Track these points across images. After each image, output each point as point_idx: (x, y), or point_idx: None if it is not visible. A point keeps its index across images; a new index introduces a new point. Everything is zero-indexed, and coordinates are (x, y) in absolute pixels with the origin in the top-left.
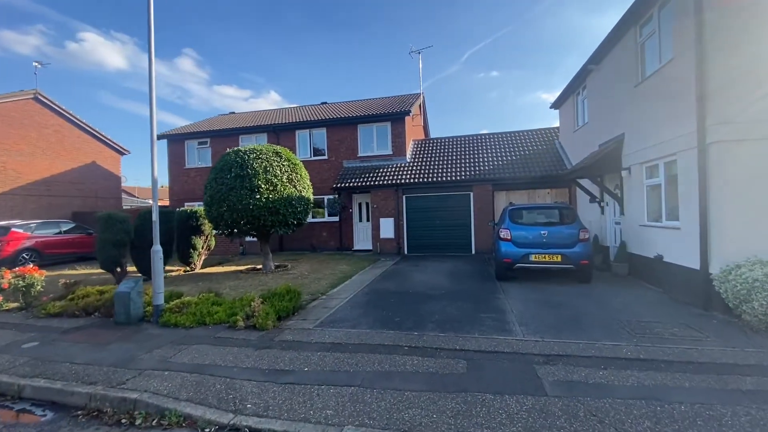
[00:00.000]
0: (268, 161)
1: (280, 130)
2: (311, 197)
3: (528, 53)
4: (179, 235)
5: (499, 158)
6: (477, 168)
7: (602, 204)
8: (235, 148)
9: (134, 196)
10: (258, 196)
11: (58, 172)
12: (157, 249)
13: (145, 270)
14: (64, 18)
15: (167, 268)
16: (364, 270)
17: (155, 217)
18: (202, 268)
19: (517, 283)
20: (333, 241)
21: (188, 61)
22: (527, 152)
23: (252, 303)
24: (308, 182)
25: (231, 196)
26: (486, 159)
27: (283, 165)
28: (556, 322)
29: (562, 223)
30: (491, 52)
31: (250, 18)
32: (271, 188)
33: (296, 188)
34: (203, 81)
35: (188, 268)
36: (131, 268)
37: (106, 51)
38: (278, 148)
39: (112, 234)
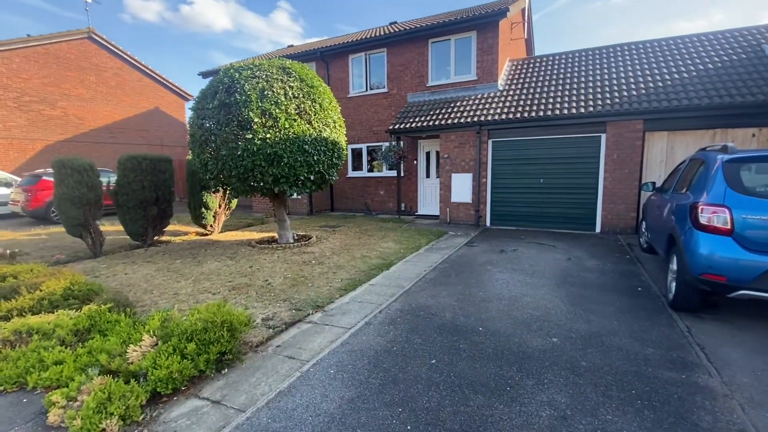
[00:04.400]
0: (267, 81)
1: (330, 56)
2: (343, 142)
3: None
4: (191, 191)
5: (661, 77)
6: (616, 94)
7: None
8: (227, 65)
9: None
10: (250, 136)
11: (121, 118)
12: None
13: (137, 233)
14: None
15: (178, 228)
16: (417, 252)
17: None
18: (222, 231)
19: (721, 324)
20: (392, 203)
21: (283, 15)
22: (708, 67)
23: (134, 346)
24: (337, 117)
25: (214, 135)
26: (636, 79)
27: (292, 86)
28: None
29: None
30: None
31: None
32: (270, 123)
33: (312, 125)
34: (298, 35)
35: (205, 231)
36: (112, 227)
37: (212, 12)
38: (288, 62)
39: (68, 188)
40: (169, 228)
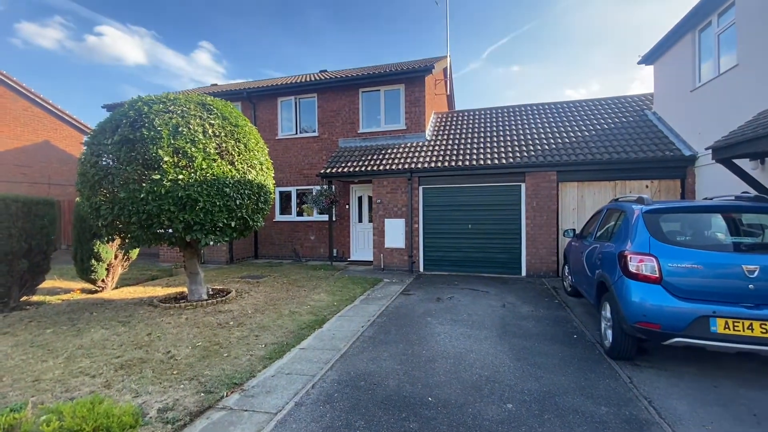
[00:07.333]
0: (183, 117)
1: (257, 97)
2: (271, 185)
3: (552, 48)
4: (78, 239)
5: (567, 135)
6: (531, 148)
7: None
8: (135, 97)
9: None
10: (158, 177)
11: None
12: None
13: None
14: (82, 9)
15: (58, 284)
16: (352, 304)
17: None
18: (117, 286)
19: (658, 372)
20: (323, 248)
21: (205, 55)
22: (605, 127)
23: None
24: (264, 158)
25: (111, 175)
26: (546, 135)
27: (213, 124)
28: None
29: None
30: (514, 47)
31: (268, 12)
32: (183, 163)
33: (235, 166)
34: (221, 75)
35: (95, 287)
36: None
37: (125, 45)
38: (209, 98)
39: None
40: (46, 284)
